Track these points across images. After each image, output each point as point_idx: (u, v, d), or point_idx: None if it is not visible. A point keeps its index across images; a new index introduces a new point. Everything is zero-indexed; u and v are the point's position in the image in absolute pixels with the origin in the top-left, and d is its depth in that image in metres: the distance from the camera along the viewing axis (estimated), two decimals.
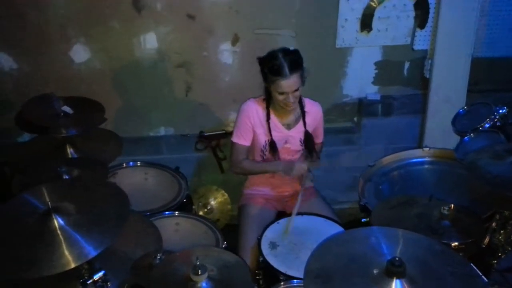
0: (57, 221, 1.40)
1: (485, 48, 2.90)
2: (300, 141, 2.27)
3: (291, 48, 2.13)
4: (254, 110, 2.21)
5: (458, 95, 2.84)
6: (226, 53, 2.77)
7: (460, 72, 2.80)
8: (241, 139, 2.23)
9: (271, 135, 2.21)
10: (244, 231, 2.21)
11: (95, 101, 2.31)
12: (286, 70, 2.01)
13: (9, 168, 2.59)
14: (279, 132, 2.24)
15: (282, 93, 2.07)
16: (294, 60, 2.04)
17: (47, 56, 2.69)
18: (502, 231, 1.92)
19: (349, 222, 2.27)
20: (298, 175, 2.18)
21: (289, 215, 2.20)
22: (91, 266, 1.45)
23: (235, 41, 2.74)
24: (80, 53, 2.71)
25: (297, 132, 2.26)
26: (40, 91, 2.31)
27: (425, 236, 1.41)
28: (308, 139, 2.27)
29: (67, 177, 1.89)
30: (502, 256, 1.95)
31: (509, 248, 1.94)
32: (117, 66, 2.77)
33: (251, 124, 2.21)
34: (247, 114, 2.21)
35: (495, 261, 1.96)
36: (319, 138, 2.41)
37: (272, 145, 2.22)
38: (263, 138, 2.23)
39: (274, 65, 2.03)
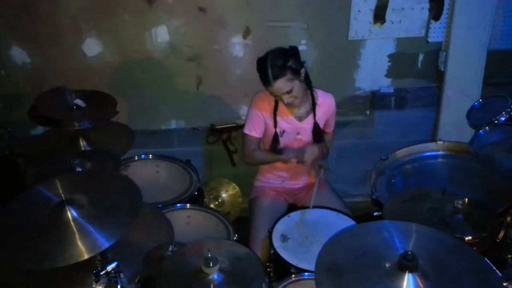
0: (71, 213, 1.41)
1: (501, 40, 2.83)
2: (312, 133, 2.26)
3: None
4: (266, 102, 2.21)
5: (473, 88, 2.79)
6: (238, 46, 2.76)
7: (475, 64, 2.75)
8: (253, 131, 2.24)
9: (275, 127, 2.21)
10: (255, 224, 2.22)
11: (107, 94, 2.32)
12: (270, 77, 2.01)
13: (23, 160, 2.63)
14: (291, 124, 2.23)
15: (275, 96, 2.09)
16: (280, 66, 2.01)
17: (59, 49, 2.71)
18: None
19: (361, 216, 2.25)
20: (309, 159, 2.17)
21: (300, 208, 2.20)
22: (104, 258, 1.47)
23: (246, 34, 2.73)
24: (92, 47, 2.72)
25: (309, 124, 2.26)
26: (53, 85, 2.32)
27: (438, 230, 1.39)
28: (316, 130, 2.27)
29: (80, 169, 1.90)
30: None
31: None
32: (128, 60, 2.78)
33: (263, 117, 2.21)
34: (259, 107, 2.21)
35: (510, 256, 1.93)
36: (330, 128, 2.39)
37: (275, 137, 2.22)
38: (274, 130, 2.23)
39: (260, 71, 2.05)
